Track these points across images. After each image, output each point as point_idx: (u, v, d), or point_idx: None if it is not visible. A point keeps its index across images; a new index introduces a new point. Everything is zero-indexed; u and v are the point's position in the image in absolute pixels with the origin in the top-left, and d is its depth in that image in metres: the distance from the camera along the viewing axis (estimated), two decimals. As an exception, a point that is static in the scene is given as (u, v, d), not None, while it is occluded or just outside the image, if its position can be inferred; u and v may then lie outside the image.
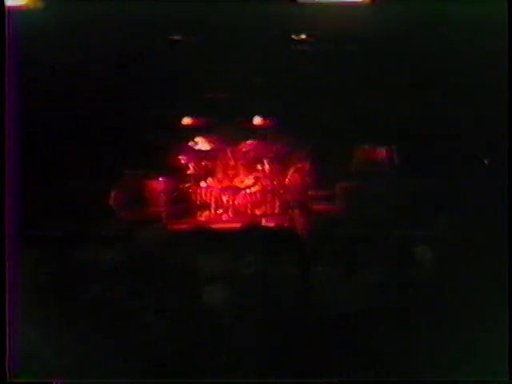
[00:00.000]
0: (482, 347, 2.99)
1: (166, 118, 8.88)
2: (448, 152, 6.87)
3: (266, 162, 9.36)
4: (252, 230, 5.60)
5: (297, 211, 8.60)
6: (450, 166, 6.55)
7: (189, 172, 9.26)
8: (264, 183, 9.41)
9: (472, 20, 5.25)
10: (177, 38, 7.17)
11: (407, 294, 3.33)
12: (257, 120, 9.20)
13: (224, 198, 9.24)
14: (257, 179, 9.40)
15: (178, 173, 9.20)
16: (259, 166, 9.36)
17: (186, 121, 9.17)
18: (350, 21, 5.72)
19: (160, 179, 8.92)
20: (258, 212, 9.25)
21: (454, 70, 6.41)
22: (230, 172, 9.33)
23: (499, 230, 3.96)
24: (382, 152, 7.89)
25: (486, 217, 4.70)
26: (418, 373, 2.99)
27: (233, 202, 9.22)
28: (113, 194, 7.20)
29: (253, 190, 9.34)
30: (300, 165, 9.13)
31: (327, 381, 3.04)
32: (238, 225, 7.63)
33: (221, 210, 9.18)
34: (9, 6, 3.93)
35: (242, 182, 9.42)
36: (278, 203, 9.27)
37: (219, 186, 9.27)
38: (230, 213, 9.15)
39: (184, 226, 7.75)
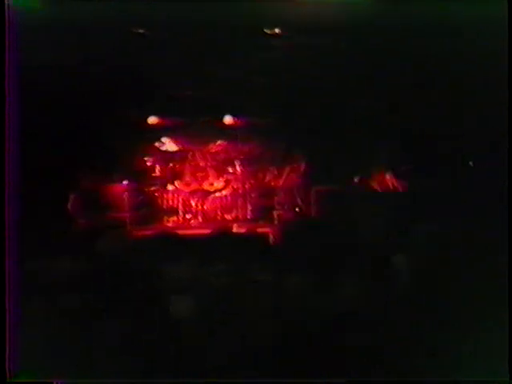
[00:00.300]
0: (482, 347, 3.10)
1: (130, 117, 8.83)
2: (446, 152, 7.09)
3: (237, 163, 9.37)
4: (222, 237, 5.57)
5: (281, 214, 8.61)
6: (446, 167, 6.78)
7: (155, 174, 9.22)
8: (235, 186, 9.38)
9: (472, 20, 5.39)
10: (140, 31, 7.25)
11: (406, 294, 3.46)
12: (227, 119, 9.17)
13: (192, 203, 9.22)
14: (227, 182, 9.35)
15: (143, 175, 9.17)
16: (230, 168, 9.37)
17: (152, 120, 9.10)
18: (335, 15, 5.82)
19: (124, 182, 8.90)
20: (228, 217, 9.26)
21: (453, 70, 6.62)
22: (199, 174, 9.29)
23: (499, 230, 4.14)
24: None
25: (486, 217, 4.96)
26: (418, 373, 3.09)
27: (202, 206, 9.21)
28: (71, 199, 7.06)
29: (223, 193, 9.33)
30: (296, 165, 9.18)
31: (334, 380, 3.12)
32: (207, 231, 7.59)
33: (189, 215, 9.17)
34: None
35: (212, 185, 9.39)
36: (250, 208, 9.33)
37: (187, 190, 9.25)
38: (198, 218, 9.13)
39: (149, 233, 7.66)
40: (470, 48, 5.99)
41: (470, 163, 6.31)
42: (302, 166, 8.90)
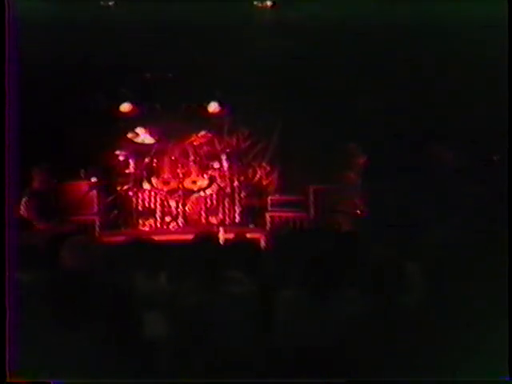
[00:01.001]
0: (482, 347, 3.36)
1: (98, 103, 8.70)
2: (445, 153, 7.12)
3: (223, 158, 9.24)
4: (206, 243, 5.49)
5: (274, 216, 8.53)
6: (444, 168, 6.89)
7: (128, 171, 9.12)
8: (221, 184, 9.27)
9: (472, 20, 6.12)
10: (110, 3, 7.12)
11: (406, 293, 3.65)
12: (212, 107, 9.05)
13: (172, 203, 9.13)
14: (212, 179, 9.26)
15: (114, 172, 9.09)
16: (215, 164, 9.25)
17: (125, 107, 8.98)
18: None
19: (92, 180, 8.76)
20: (213, 220, 9.18)
21: (453, 70, 7.19)
22: (180, 171, 9.14)
23: (499, 230, 4.54)
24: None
25: (486, 218, 5.34)
26: (418, 373, 3.34)
27: (183, 207, 9.15)
28: (23, 201, 6.67)
29: (208, 192, 9.21)
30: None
31: (335, 381, 3.40)
32: (189, 236, 7.45)
33: (168, 218, 9.07)
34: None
35: (195, 183, 9.25)
36: (238, 209, 9.19)
37: (166, 188, 9.13)
38: (179, 221, 9.05)
39: (122, 239, 7.47)
40: (470, 48, 6.67)
41: (494, 158, 6.69)
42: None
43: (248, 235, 6.92)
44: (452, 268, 3.73)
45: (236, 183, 9.20)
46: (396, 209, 6.48)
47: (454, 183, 5.98)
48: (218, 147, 9.30)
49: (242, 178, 9.23)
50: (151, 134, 9.15)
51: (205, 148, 9.24)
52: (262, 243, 7.68)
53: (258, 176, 9.29)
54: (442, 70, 7.43)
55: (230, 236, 7.12)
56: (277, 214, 8.73)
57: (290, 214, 8.64)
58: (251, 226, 8.89)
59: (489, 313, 3.45)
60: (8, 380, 3.56)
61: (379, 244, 4.54)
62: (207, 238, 5.94)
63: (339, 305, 3.72)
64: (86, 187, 8.55)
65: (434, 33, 6.94)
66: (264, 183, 9.32)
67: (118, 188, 9.10)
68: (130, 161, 9.10)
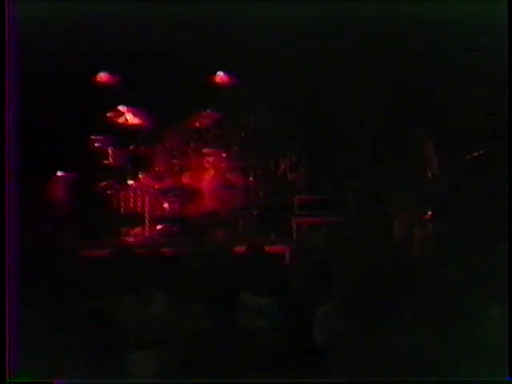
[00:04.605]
0: (482, 347, 4.04)
1: (69, 72, 8.74)
2: (444, 153, 8.64)
3: (234, 144, 9.29)
4: (212, 258, 5.52)
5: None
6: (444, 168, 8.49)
7: (107, 162, 9.19)
8: (232, 180, 9.31)
9: (472, 20, 7.29)
10: None
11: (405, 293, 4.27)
12: (220, 77, 9.11)
13: (166, 205, 9.19)
14: (219, 173, 9.21)
15: (89, 163, 9.14)
16: (223, 153, 9.21)
17: (102, 77, 9.04)
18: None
19: (59, 174, 8.88)
20: (221, 228, 9.05)
21: (453, 70, 8.50)
22: (176, 162, 9.27)
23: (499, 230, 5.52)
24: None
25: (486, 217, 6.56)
26: (418, 373, 3.99)
27: (180, 210, 9.18)
28: None
29: (214, 190, 9.12)
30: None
31: (335, 381, 4.04)
32: (188, 249, 7.49)
33: (160, 226, 9.12)
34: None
35: (196, 178, 9.23)
36: (255, 213, 9.18)
37: (157, 186, 9.21)
38: (175, 229, 9.07)
39: (100, 253, 7.51)
40: (470, 48, 8.08)
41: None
42: None
43: (268, 248, 6.94)
44: (450, 267, 4.46)
45: (251, 178, 9.25)
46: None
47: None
48: (228, 130, 9.34)
49: (260, 172, 9.25)
50: (138, 115, 9.20)
51: (210, 132, 9.24)
52: (287, 258, 7.74)
53: (281, 169, 9.32)
54: (441, 71, 8.72)
55: (243, 248, 7.06)
56: (305, 219, 8.77)
57: (322, 220, 8.73)
58: (272, 235, 8.86)
59: (489, 312, 4.15)
60: (8, 380, 4.26)
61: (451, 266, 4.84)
62: (214, 251, 6.00)
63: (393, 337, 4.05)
64: (54, 184, 8.63)
65: (433, 33, 8.35)
66: (289, 178, 9.32)
67: (95, 184, 9.05)
68: (109, 149, 9.11)
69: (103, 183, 9.13)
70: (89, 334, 3.91)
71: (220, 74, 9.04)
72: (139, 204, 9.17)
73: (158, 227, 9.08)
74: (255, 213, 9.19)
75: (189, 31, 8.75)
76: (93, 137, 9.07)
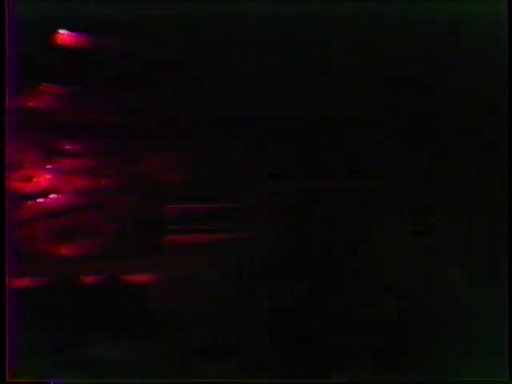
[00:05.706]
0: (482, 347, 4.36)
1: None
2: (443, 154, 8.00)
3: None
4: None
5: None
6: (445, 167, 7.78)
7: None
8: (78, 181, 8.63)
9: (472, 20, 7.18)
10: None
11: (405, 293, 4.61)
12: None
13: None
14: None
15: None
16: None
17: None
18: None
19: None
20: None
21: (452, 70, 8.00)
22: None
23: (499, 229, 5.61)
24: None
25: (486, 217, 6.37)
26: (418, 373, 4.29)
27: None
28: None
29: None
30: None
31: (335, 381, 4.33)
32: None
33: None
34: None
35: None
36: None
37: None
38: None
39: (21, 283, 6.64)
40: (470, 48, 7.63)
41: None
42: None
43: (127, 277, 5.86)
44: (450, 266, 4.80)
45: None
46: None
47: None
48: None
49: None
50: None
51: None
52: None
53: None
54: (441, 71, 8.21)
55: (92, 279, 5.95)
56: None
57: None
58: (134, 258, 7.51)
59: (489, 312, 4.46)
60: (8, 380, 4.47)
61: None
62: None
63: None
64: None
65: (432, 33, 7.96)
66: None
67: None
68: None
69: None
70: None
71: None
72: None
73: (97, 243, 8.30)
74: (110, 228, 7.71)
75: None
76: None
